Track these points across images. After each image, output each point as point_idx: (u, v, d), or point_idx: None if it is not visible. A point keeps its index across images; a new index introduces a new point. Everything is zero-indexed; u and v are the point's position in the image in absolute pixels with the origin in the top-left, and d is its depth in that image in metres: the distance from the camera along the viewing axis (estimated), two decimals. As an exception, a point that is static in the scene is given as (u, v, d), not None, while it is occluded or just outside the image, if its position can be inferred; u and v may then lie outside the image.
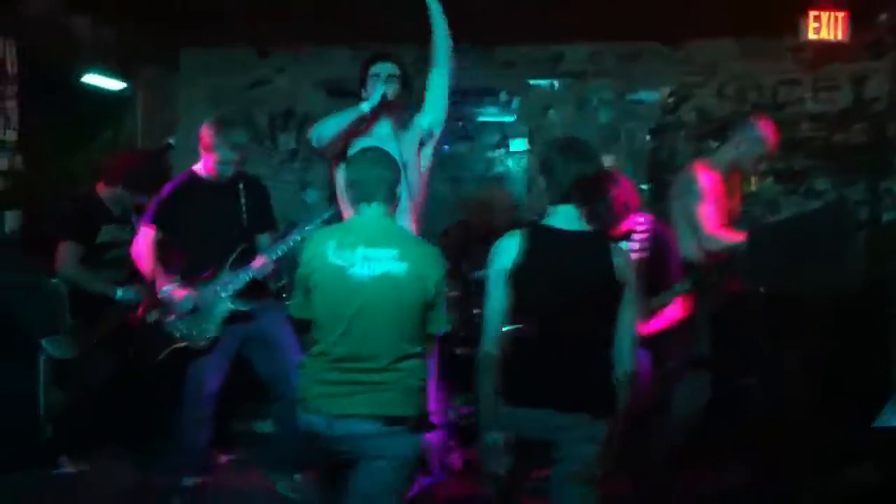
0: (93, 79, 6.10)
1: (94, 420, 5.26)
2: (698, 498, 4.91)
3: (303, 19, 6.24)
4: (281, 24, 6.44)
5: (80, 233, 5.18)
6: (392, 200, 3.51)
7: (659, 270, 4.40)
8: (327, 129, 4.48)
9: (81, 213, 5.28)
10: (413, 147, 4.49)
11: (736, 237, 4.71)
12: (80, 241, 5.16)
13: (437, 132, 4.60)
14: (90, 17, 5.85)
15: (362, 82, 4.63)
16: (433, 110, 4.56)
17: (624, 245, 4.32)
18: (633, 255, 4.32)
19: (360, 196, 3.48)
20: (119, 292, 5.16)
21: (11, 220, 5.10)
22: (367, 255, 3.37)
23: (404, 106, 4.62)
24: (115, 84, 6.36)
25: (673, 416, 4.87)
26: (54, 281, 5.19)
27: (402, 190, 3.66)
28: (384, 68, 4.57)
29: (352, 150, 4.36)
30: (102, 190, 5.33)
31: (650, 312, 4.37)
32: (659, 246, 4.44)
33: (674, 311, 4.47)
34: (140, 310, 4.88)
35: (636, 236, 4.34)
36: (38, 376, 5.15)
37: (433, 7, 4.53)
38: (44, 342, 5.21)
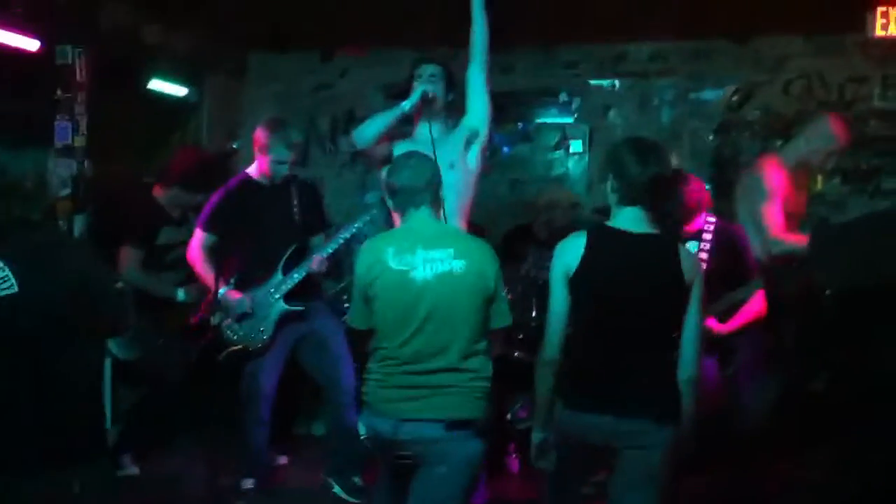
0: (160, 84, 6.22)
1: (158, 421, 5.36)
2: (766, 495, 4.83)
3: (366, 22, 6.29)
4: (344, 27, 6.50)
5: (139, 236, 5.28)
6: (437, 203, 3.53)
7: (733, 268, 4.36)
8: (369, 129, 4.47)
9: (139, 217, 5.38)
10: (459, 148, 4.44)
11: (801, 240, 4.63)
12: (139, 244, 5.26)
13: (483, 131, 4.48)
14: (159, 25, 5.96)
15: (409, 83, 4.61)
16: (475, 109, 4.49)
17: (694, 245, 4.30)
18: (703, 255, 4.29)
19: (406, 202, 3.50)
20: (181, 294, 5.25)
21: (80, 223, 5.21)
22: (426, 256, 3.38)
23: (447, 106, 4.55)
24: (182, 90, 6.48)
25: (745, 413, 4.81)
26: (121, 284, 5.30)
27: (447, 191, 3.67)
28: (426, 69, 4.54)
29: (396, 153, 4.35)
30: (159, 192, 5.42)
31: (727, 310, 4.32)
32: (732, 244, 4.39)
33: (753, 306, 4.41)
34: (201, 311, 4.96)
35: (706, 235, 4.32)
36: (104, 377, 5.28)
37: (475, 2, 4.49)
38: (110, 343, 5.33)
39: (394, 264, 3.39)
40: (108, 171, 5.58)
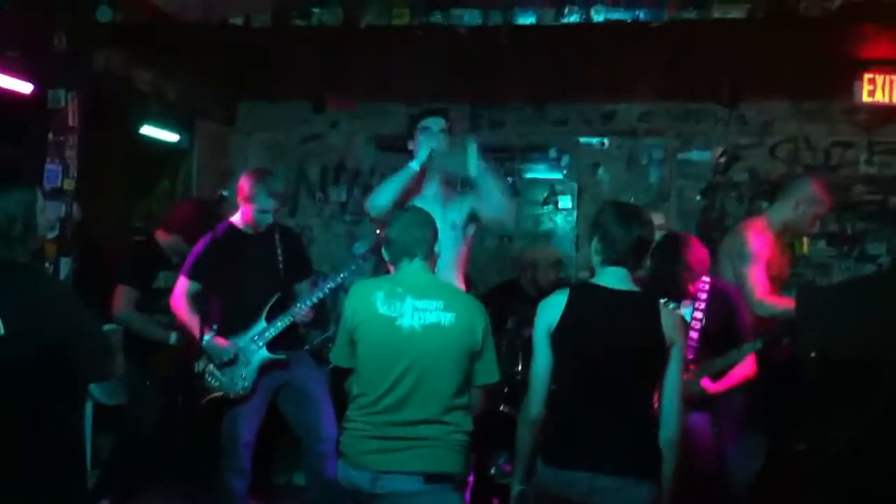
0: (151, 130, 6.24)
1: (137, 467, 5.30)
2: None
3: (358, 76, 6.36)
4: (335, 81, 6.56)
5: (136, 278, 5.28)
6: (431, 256, 3.53)
7: (728, 328, 4.36)
8: (382, 197, 4.41)
9: (138, 259, 5.39)
10: (464, 214, 4.46)
11: (785, 303, 4.64)
12: (136, 285, 5.26)
13: (502, 214, 4.50)
14: (151, 71, 6.00)
15: (410, 136, 4.60)
16: (494, 209, 4.47)
17: (689, 306, 4.32)
18: (698, 314, 4.30)
19: (401, 253, 3.51)
20: (173, 337, 5.24)
21: (66, 267, 5.20)
22: (416, 305, 3.39)
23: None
24: (172, 136, 6.50)
25: (731, 479, 4.79)
26: (110, 327, 5.29)
27: (446, 247, 3.68)
28: (435, 122, 4.50)
29: None
30: (162, 237, 5.44)
31: (719, 371, 4.32)
32: (727, 304, 4.40)
33: (744, 368, 4.41)
34: (189, 356, 4.93)
35: (701, 295, 4.33)
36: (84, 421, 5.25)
37: (469, 146, 4.47)
38: (92, 388, 5.29)
39: (382, 309, 3.39)
40: (100, 213, 5.58)
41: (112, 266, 5.44)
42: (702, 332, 4.35)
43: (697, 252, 4.43)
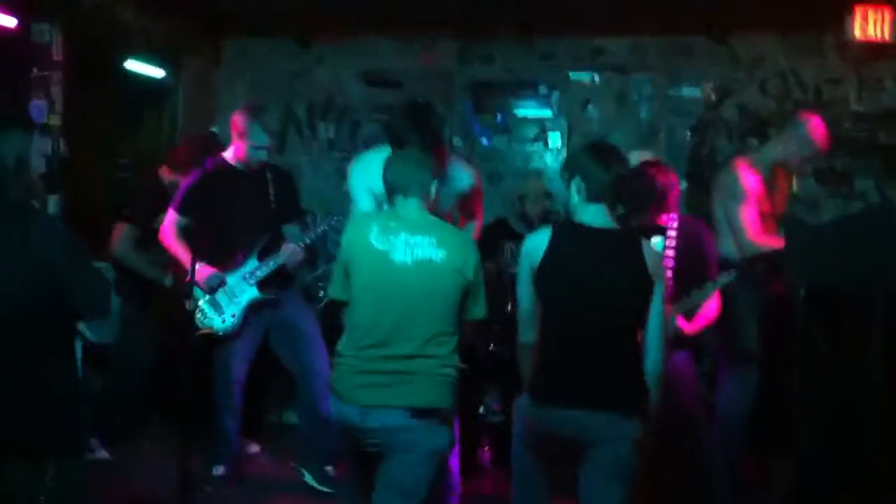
0: (136, 66, 6.16)
1: (128, 405, 5.33)
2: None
3: (344, 10, 6.26)
4: (322, 15, 6.47)
5: (138, 216, 5.25)
6: (427, 198, 3.53)
7: (694, 267, 4.37)
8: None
9: (142, 196, 5.35)
10: (451, 199, 4.40)
11: (778, 242, 4.65)
12: (137, 223, 5.23)
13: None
14: (135, 6, 5.90)
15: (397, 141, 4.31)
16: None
17: (660, 240, 4.32)
18: (669, 252, 4.31)
19: (396, 190, 3.51)
20: (168, 279, 5.23)
21: (54, 204, 5.17)
22: (409, 241, 3.40)
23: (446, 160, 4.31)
24: (158, 72, 6.42)
25: (719, 414, 4.84)
26: (102, 265, 5.28)
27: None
28: None
29: None
30: (166, 175, 5.39)
31: (689, 311, 4.34)
32: (693, 243, 4.40)
33: (712, 307, 4.43)
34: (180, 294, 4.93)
35: (671, 232, 4.32)
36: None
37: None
38: (82, 327, 5.29)
39: (376, 243, 3.40)
40: (87, 149, 5.53)
41: (100, 203, 5.40)
42: (673, 269, 4.34)
43: (671, 182, 4.42)
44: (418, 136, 3.96)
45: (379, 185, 3.69)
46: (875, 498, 4.31)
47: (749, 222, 4.72)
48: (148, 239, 5.25)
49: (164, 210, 5.20)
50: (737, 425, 4.86)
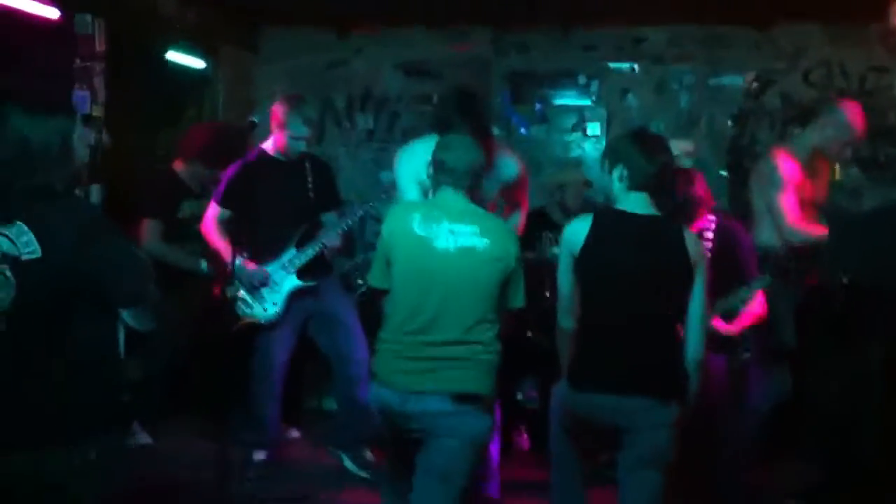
0: (177, 57, 6.21)
1: (170, 391, 5.38)
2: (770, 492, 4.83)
3: (381, 0, 6.27)
4: (360, 5, 6.48)
5: (159, 209, 5.29)
6: (474, 187, 3.53)
7: (732, 267, 4.33)
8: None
9: (159, 190, 5.39)
10: (496, 188, 4.41)
11: (820, 230, 4.59)
12: (160, 217, 5.28)
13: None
14: (175, -3, 5.96)
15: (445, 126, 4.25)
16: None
17: None
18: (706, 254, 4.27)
19: (447, 180, 3.49)
20: (204, 265, 5.27)
21: (96, 194, 5.22)
22: (451, 228, 3.40)
23: (493, 150, 4.28)
24: (198, 62, 6.46)
25: (750, 408, 4.79)
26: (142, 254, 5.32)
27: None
28: None
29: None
30: (179, 166, 5.44)
31: (729, 311, 4.30)
32: (733, 242, 4.37)
33: (755, 307, 4.38)
34: (219, 284, 4.96)
35: (707, 234, 4.31)
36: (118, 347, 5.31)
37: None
38: (124, 314, 5.33)
39: (419, 230, 3.41)
40: (128, 141, 5.58)
41: (136, 198, 5.45)
42: (710, 269, 4.28)
43: (698, 188, 4.38)
44: (465, 125, 3.94)
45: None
46: (875, 498, 4.29)
47: (789, 209, 4.67)
48: (174, 231, 5.30)
49: (184, 201, 5.29)
50: (759, 422, 4.80)
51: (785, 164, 4.77)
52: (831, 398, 4.98)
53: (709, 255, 4.25)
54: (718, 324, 4.28)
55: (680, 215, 4.25)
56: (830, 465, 4.80)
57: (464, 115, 4.05)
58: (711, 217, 4.37)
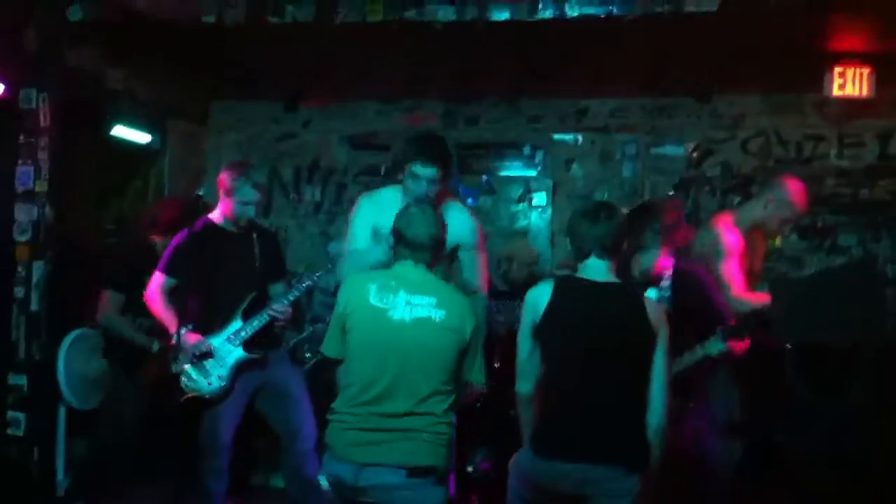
0: (123, 131, 6.19)
1: (114, 467, 5.27)
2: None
3: (331, 75, 6.34)
4: (309, 78, 6.54)
5: (124, 282, 5.24)
6: (434, 259, 3.55)
7: (699, 311, 4.26)
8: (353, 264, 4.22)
9: (123, 263, 5.34)
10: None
11: (762, 298, 4.63)
12: (121, 290, 5.21)
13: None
14: (123, 70, 5.96)
15: (400, 168, 4.32)
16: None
17: (653, 291, 4.26)
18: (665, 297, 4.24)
19: (406, 253, 3.52)
20: (156, 345, 5.20)
21: (39, 270, 5.15)
22: (408, 300, 3.41)
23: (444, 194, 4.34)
24: (145, 136, 6.45)
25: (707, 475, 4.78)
26: (94, 331, 5.26)
27: None
28: (427, 172, 4.15)
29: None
30: (159, 239, 5.38)
31: (681, 370, 4.27)
32: (694, 286, 4.28)
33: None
34: (166, 358, 4.90)
35: (663, 282, 4.25)
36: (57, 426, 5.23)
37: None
38: (65, 392, 5.24)
39: (374, 301, 3.41)
40: (73, 214, 5.52)
41: (87, 269, 5.39)
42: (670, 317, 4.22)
43: (672, 210, 4.41)
44: (424, 159, 4.03)
45: (387, 223, 3.68)
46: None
47: (732, 279, 4.71)
48: (136, 304, 5.24)
49: (147, 273, 5.21)
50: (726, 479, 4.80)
51: (727, 234, 4.83)
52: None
53: (667, 303, 4.21)
54: None
55: (667, 240, 4.28)
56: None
57: (422, 152, 4.11)
58: (666, 262, 4.29)
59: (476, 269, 4.40)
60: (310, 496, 4.67)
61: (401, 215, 3.60)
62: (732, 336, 4.10)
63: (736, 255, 4.79)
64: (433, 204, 3.96)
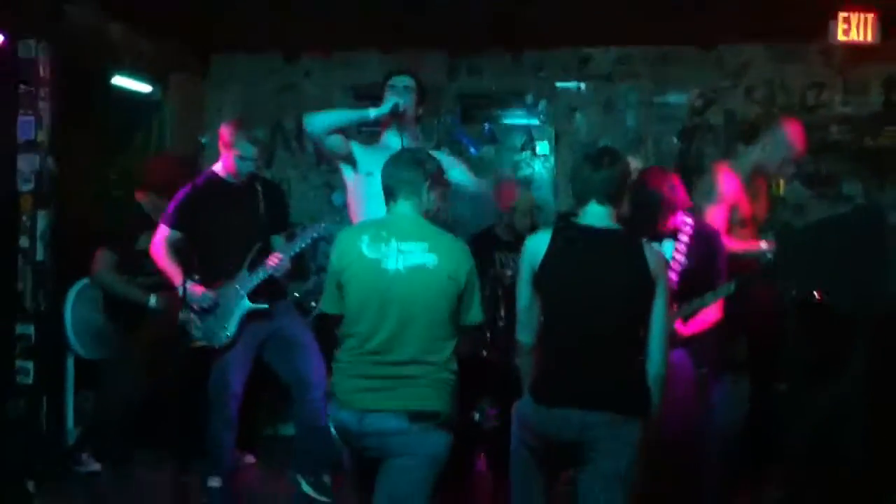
0: (124, 82, 6.16)
1: (123, 420, 5.32)
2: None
3: (331, 24, 6.28)
4: (309, 29, 6.49)
5: (115, 240, 5.25)
6: (421, 199, 3.53)
7: (704, 271, 4.34)
8: (321, 118, 4.54)
9: (118, 221, 5.35)
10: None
11: (740, 245, 4.66)
12: (114, 248, 5.23)
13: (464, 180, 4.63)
14: (123, 23, 5.91)
15: (382, 93, 4.64)
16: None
17: (670, 244, 4.31)
18: (679, 256, 4.30)
19: (392, 195, 3.51)
20: (152, 300, 5.22)
21: (43, 220, 5.16)
22: (400, 248, 3.40)
23: (417, 120, 4.66)
24: (145, 88, 6.42)
25: (714, 424, 4.82)
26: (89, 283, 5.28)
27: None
28: (400, 80, 4.58)
29: (359, 157, 4.53)
30: (142, 198, 5.39)
31: (691, 314, 4.33)
32: (708, 246, 4.37)
33: (712, 313, 4.42)
34: (174, 309, 4.92)
35: (681, 236, 4.30)
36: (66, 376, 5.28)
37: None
38: (72, 342, 5.28)
39: (367, 252, 3.40)
40: (75, 166, 5.52)
41: (93, 220, 5.40)
42: (682, 272, 4.32)
43: (673, 185, 4.42)
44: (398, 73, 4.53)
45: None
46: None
47: (715, 222, 4.72)
48: (130, 262, 5.25)
49: (143, 232, 5.21)
50: (732, 438, 4.84)
51: (725, 180, 4.85)
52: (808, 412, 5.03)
53: (683, 258, 4.29)
54: (678, 325, 4.30)
55: (653, 215, 4.30)
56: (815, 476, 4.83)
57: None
58: (688, 220, 4.36)
59: (456, 165, 4.56)
60: (321, 443, 4.71)
61: (390, 159, 3.60)
62: (746, 284, 4.18)
63: (728, 200, 4.80)
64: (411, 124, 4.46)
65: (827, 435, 4.79)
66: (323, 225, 4.84)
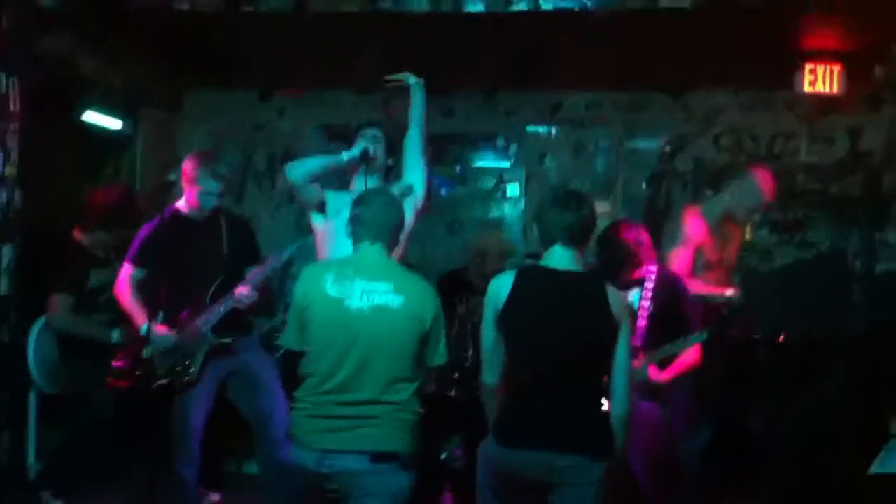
0: (95, 117, 6.14)
1: (88, 457, 5.24)
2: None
3: (305, 64, 6.31)
4: (283, 68, 6.51)
5: (67, 282, 5.20)
6: (393, 243, 3.55)
7: (674, 316, 4.40)
8: (301, 167, 4.61)
9: (66, 264, 5.29)
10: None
11: (703, 289, 4.72)
12: (69, 291, 5.18)
13: (419, 190, 4.61)
14: (95, 57, 5.91)
15: (353, 141, 4.73)
16: (411, 170, 4.64)
17: (636, 293, 4.38)
18: (645, 303, 4.36)
19: (364, 234, 3.52)
20: (115, 335, 5.17)
21: (8, 254, 5.11)
22: (365, 287, 3.41)
23: (386, 169, 4.73)
24: (116, 123, 6.40)
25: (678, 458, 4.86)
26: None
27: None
28: (371, 131, 4.70)
29: (330, 202, 4.55)
30: (79, 236, 5.35)
31: (665, 359, 4.37)
32: (673, 291, 4.45)
33: (689, 358, 4.45)
34: (128, 351, 4.88)
35: (648, 284, 4.38)
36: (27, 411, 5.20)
37: (410, 81, 4.73)
38: (35, 376, 5.21)
39: (331, 291, 3.41)
40: (43, 200, 5.48)
41: (59, 255, 5.35)
42: (649, 318, 4.39)
43: (640, 238, 4.49)
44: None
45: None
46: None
47: (679, 264, 4.78)
48: (85, 301, 5.20)
49: (91, 270, 5.20)
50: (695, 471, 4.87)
51: (691, 223, 4.93)
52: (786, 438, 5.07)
53: (649, 303, 4.34)
54: (653, 372, 4.34)
55: (620, 268, 4.36)
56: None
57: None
58: (652, 266, 4.44)
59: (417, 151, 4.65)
60: (283, 481, 4.67)
61: (357, 199, 3.63)
62: (718, 329, 4.24)
63: (693, 244, 4.88)
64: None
65: (808, 446, 4.84)
66: (285, 253, 4.84)
